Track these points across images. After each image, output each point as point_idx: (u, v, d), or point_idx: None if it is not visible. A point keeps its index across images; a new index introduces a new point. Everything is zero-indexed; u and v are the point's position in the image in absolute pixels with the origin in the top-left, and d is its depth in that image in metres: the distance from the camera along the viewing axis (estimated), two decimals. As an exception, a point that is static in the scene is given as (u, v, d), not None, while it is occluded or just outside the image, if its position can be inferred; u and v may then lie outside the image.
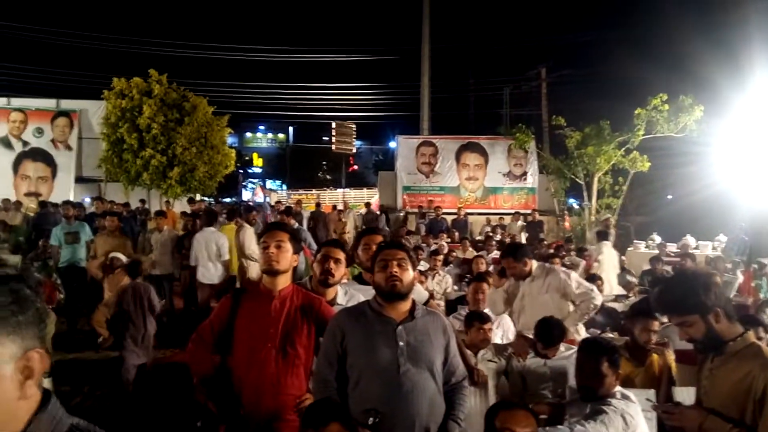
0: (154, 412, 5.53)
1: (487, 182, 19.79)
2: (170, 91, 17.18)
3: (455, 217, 15.95)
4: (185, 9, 72.02)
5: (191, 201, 15.03)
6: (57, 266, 8.82)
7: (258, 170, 54.72)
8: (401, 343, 2.64)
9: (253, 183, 47.47)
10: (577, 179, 16.26)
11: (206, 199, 20.73)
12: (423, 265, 8.24)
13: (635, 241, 14.09)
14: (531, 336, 4.24)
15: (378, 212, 17.66)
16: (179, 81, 17.96)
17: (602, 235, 9.94)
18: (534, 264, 4.98)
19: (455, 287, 8.31)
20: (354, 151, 27.44)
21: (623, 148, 15.34)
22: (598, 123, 15.66)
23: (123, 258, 8.10)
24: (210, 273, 8.24)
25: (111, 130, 16.81)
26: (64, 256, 8.88)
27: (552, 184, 17.78)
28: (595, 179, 15.81)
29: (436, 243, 11.28)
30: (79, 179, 18.41)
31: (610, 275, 8.82)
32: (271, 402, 2.91)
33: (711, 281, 2.42)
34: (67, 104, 18.79)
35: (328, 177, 48.24)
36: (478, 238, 13.92)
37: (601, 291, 6.20)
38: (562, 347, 4.17)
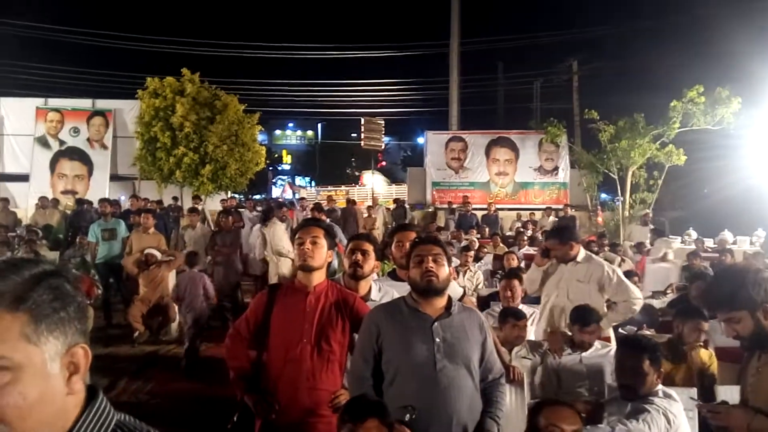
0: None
1: (517, 177, 19.61)
2: (202, 90, 17.35)
3: (485, 212, 15.84)
4: (216, 9, 72.81)
5: (198, 199, 15.10)
6: (94, 262, 8.98)
7: (287, 167, 55.15)
8: (437, 340, 2.62)
9: (283, 180, 47.82)
10: (610, 173, 16.02)
11: (236, 196, 20.93)
12: (454, 262, 8.18)
13: (670, 237, 13.80)
14: (566, 332, 4.18)
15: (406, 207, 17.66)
16: (211, 80, 18.18)
17: (658, 232, 9.79)
18: (581, 250, 4.84)
19: (486, 283, 8.24)
20: (383, 147, 27.37)
21: (658, 142, 15.06)
22: (631, 116, 15.40)
23: (158, 254, 8.24)
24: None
25: (145, 129, 17.06)
26: (101, 252, 9.05)
27: (584, 179, 17.55)
28: (629, 173, 15.56)
29: (466, 239, 11.20)
30: (114, 177, 18.71)
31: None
32: (306, 397, 2.92)
33: (760, 277, 2.34)
34: (102, 104, 19.08)
35: (356, 173, 48.34)
36: (509, 233, 13.79)
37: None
38: (598, 344, 4.10)
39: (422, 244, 2.83)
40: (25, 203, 17.05)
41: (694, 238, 12.46)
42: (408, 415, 2.45)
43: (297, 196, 26.37)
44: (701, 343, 4.17)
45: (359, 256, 3.38)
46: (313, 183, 46.54)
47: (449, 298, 2.78)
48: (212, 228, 11.37)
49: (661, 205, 17.22)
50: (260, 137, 21.56)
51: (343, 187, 31.47)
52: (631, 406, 2.95)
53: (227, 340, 3.15)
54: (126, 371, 6.57)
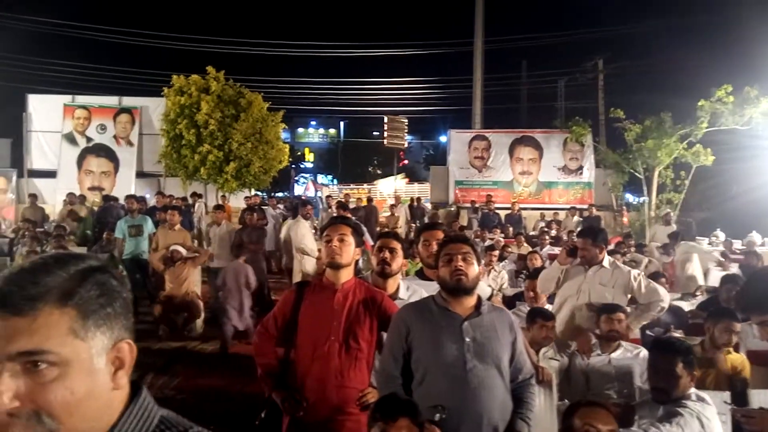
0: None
1: (541, 177, 19.44)
2: (227, 88, 17.47)
3: (509, 212, 15.74)
4: (241, 8, 73.32)
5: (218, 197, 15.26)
6: (121, 258, 9.09)
7: (309, 165, 55.41)
8: (467, 339, 2.60)
9: (305, 178, 48.06)
10: (636, 173, 15.82)
11: (259, 193, 21.06)
12: (478, 261, 8.13)
13: (697, 238, 13.60)
14: (595, 331, 4.13)
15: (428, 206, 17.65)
16: (235, 77, 18.29)
17: (684, 235, 9.67)
18: (606, 255, 4.77)
19: (510, 283, 8.18)
20: (405, 145, 27.34)
21: (685, 141, 14.84)
22: (657, 115, 15.19)
23: (183, 251, 8.31)
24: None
25: (170, 127, 17.20)
26: (128, 248, 9.15)
27: (609, 179, 17.36)
28: (656, 173, 15.35)
29: (491, 238, 11.13)
30: (140, 174, 18.93)
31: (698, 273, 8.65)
32: (334, 395, 2.92)
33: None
34: (128, 101, 19.30)
35: (378, 171, 48.37)
36: (532, 233, 13.69)
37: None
38: (627, 345, 4.05)
39: (452, 242, 2.82)
40: (52, 199, 17.32)
41: (722, 240, 12.27)
42: (438, 415, 2.44)
43: (319, 194, 26.45)
44: (732, 347, 4.09)
45: (387, 254, 3.38)
46: (335, 181, 46.69)
47: (479, 298, 2.76)
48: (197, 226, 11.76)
49: (687, 206, 16.97)
50: (283, 135, 21.66)
51: (365, 186, 31.49)
52: (663, 410, 2.90)
53: (255, 337, 3.17)
54: (152, 367, 6.60)
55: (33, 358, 0.93)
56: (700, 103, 14.25)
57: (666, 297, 4.66)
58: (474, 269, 2.70)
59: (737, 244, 11.83)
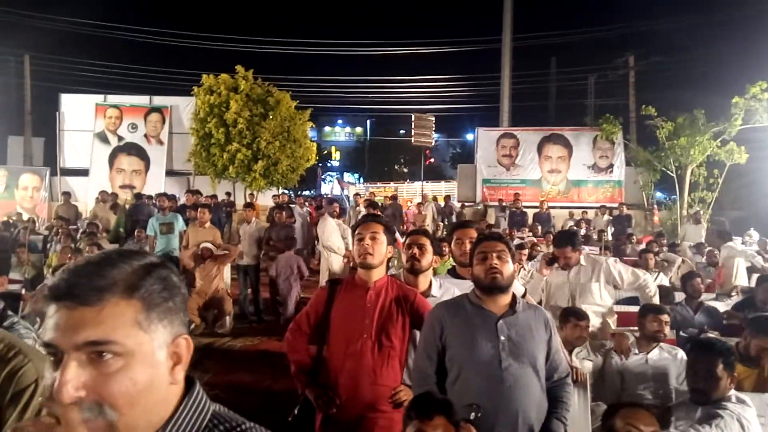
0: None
1: (570, 175, 19.24)
2: (255, 87, 17.62)
3: (537, 210, 15.60)
4: (269, 7, 73.86)
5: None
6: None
7: (335, 164, 55.60)
8: (502, 338, 2.58)
9: (332, 176, 48.26)
10: (668, 171, 15.56)
11: (286, 191, 21.19)
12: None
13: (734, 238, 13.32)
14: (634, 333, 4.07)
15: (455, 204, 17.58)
16: (264, 76, 18.42)
17: (725, 236, 9.50)
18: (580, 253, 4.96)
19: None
20: (432, 143, 27.24)
21: (719, 139, 14.56)
22: (690, 112, 14.94)
23: (213, 248, 8.39)
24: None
25: (200, 125, 17.42)
26: (159, 245, 9.28)
27: (640, 177, 17.10)
28: (688, 171, 15.09)
29: (520, 237, 11.04)
30: (170, 172, 19.20)
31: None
32: (367, 393, 2.91)
33: None
34: (159, 101, 19.59)
35: (405, 170, 48.35)
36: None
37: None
38: (664, 346, 3.98)
39: (486, 240, 2.79)
40: (84, 197, 17.66)
41: (756, 239, 11.99)
42: (473, 414, 2.43)
43: (346, 192, 26.52)
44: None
45: (416, 251, 3.37)
46: (361, 179, 46.80)
47: (513, 296, 2.73)
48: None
49: (720, 205, 16.67)
50: (310, 134, 21.79)
51: (391, 184, 31.51)
52: (701, 411, 2.85)
53: (288, 334, 3.17)
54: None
55: (99, 348, 0.95)
56: (734, 100, 14.01)
57: (648, 278, 4.91)
58: (509, 267, 2.68)
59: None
